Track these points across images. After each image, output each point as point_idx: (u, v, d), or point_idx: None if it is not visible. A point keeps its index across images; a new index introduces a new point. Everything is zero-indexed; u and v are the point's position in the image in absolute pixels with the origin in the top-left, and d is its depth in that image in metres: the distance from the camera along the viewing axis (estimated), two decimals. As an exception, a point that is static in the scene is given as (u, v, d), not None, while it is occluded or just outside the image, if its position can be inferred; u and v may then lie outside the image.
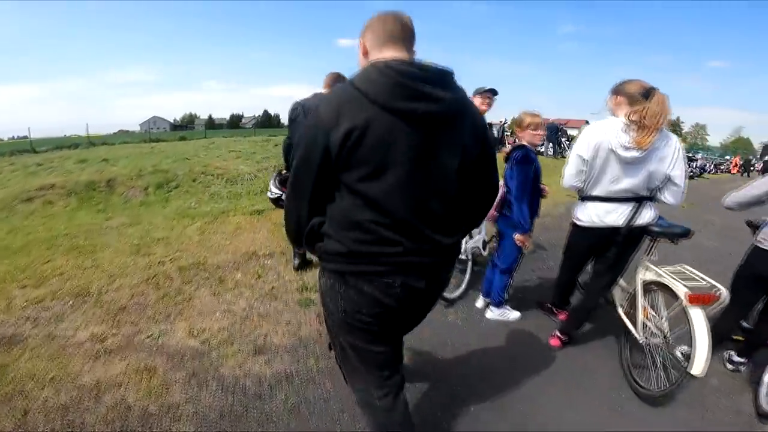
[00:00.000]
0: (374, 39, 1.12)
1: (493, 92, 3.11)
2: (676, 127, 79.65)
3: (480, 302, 3.06)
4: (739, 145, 74.00)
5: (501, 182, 2.52)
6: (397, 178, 1.02)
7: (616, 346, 2.54)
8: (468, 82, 1.38)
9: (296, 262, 3.62)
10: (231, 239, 4.40)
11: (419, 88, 0.98)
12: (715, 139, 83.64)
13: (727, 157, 32.48)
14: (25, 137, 18.76)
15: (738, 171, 25.16)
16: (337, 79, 2.85)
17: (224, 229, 4.75)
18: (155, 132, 29.86)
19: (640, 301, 2.25)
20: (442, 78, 1.03)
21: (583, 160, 2.08)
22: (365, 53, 1.15)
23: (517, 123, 2.66)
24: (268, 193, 3.44)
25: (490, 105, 3.12)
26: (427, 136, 1.02)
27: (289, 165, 3.03)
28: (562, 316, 2.80)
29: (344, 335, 1.25)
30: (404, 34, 1.11)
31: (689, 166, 15.93)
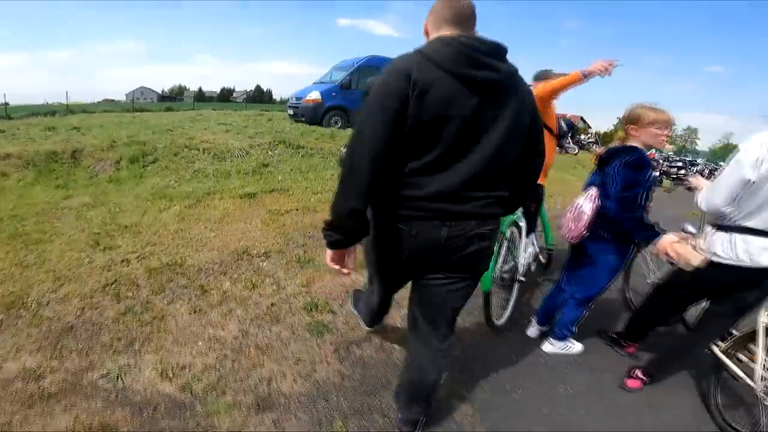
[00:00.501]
0: (434, 21, 1.24)
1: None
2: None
3: (533, 331, 2.52)
4: (727, 152, 74.39)
5: (593, 192, 2.04)
6: (455, 132, 1.14)
7: (691, 381, 2.22)
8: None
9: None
10: (217, 230, 3.56)
11: (480, 58, 1.12)
12: (704, 144, 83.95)
13: (721, 163, 32.44)
14: (5, 104, 17.31)
15: None
16: None
17: (209, 215, 3.89)
18: (141, 102, 28.29)
19: (762, 344, 1.84)
20: (498, 51, 1.17)
21: (748, 182, 1.61)
22: (426, 33, 1.28)
23: (631, 119, 1.98)
24: None
25: None
26: (484, 100, 1.14)
27: None
28: (630, 350, 2.43)
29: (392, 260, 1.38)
30: (461, 17, 1.21)
31: (686, 170, 15.90)
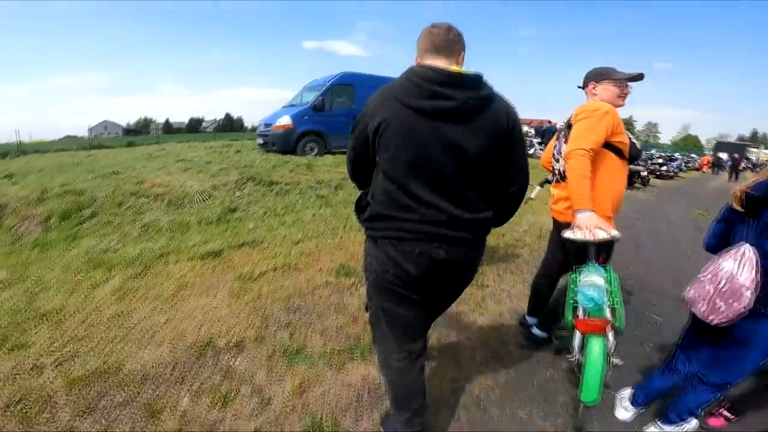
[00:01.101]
0: (419, 50, 1.33)
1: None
2: (629, 126, 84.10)
3: (625, 413, 1.94)
4: (689, 143, 78.23)
5: (750, 254, 1.38)
6: (413, 157, 1.22)
7: None
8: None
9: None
10: (170, 311, 2.65)
11: (432, 88, 1.19)
12: (665, 137, 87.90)
13: (693, 156, 33.60)
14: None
15: (708, 169, 25.61)
16: None
17: (159, 289, 2.96)
18: (102, 138, 26.75)
19: None
20: (460, 81, 1.20)
21: None
22: (416, 62, 1.34)
23: None
24: None
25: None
26: (441, 126, 1.20)
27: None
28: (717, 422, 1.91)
29: (376, 295, 1.43)
30: (444, 44, 1.28)
31: (667, 167, 15.94)
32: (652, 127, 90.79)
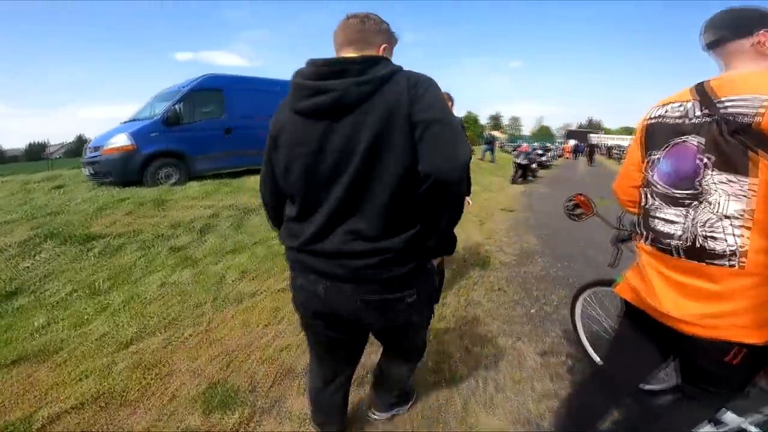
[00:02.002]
0: (334, 47, 1.13)
1: None
2: (496, 120, 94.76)
3: None
4: (543, 133, 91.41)
5: None
6: (301, 170, 1.05)
7: None
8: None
9: None
10: None
11: (309, 85, 1.00)
12: (526, 129, 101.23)
13: (559, 142, 38.15)
14: None
15: (570, 155, 28.89)
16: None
17: None
18: None
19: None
20: (341, 68, 0.98)
21: None
22: None
23: None
24: None
25: None
26: (328, 127, 1.00)
27: None
28: None
29: (300, 317, 1.29)
30: (356, 36, 1.08)
31: (545, 156, 17.45)
32: (515, 121, 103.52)
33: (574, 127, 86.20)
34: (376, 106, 0.95)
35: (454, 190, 0.98)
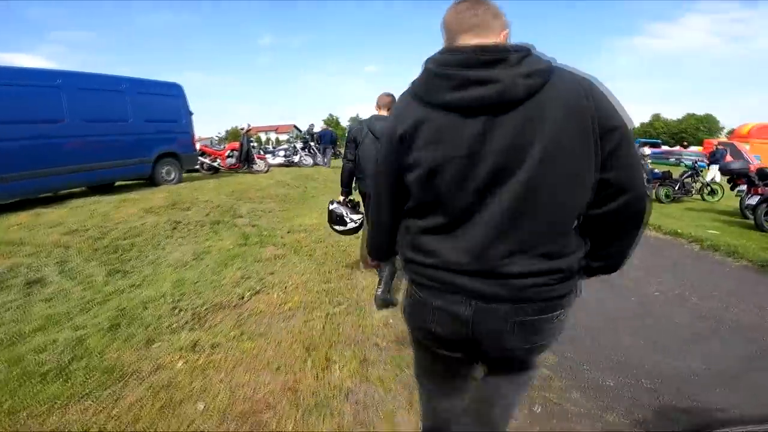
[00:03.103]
0: (445, 39, 1.01)
1: None
2: (357, 122, 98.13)
3: None
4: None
5: None
6: (453, 175, 0.91)
7: None
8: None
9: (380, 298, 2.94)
10: None
11: (462, 74, 0.87)
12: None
13: None
14: None
15: None
16: (390, 102, 2.80)
17: None
18: None
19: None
20: (498, 55, 0.86)
21: None
22: None
23: None
24: (350, 224, 2.98)
25: None
26: (488, 124, 0.86)
27: (349, 189, 3.04)
28: None
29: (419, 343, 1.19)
30: (475, 21, 0.95)
31: None
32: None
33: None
34: (550, 104, 0.85)
35: (644, 207, 0.94)
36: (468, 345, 1.01)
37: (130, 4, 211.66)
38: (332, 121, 67.54)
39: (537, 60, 0.87)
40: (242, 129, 10.72)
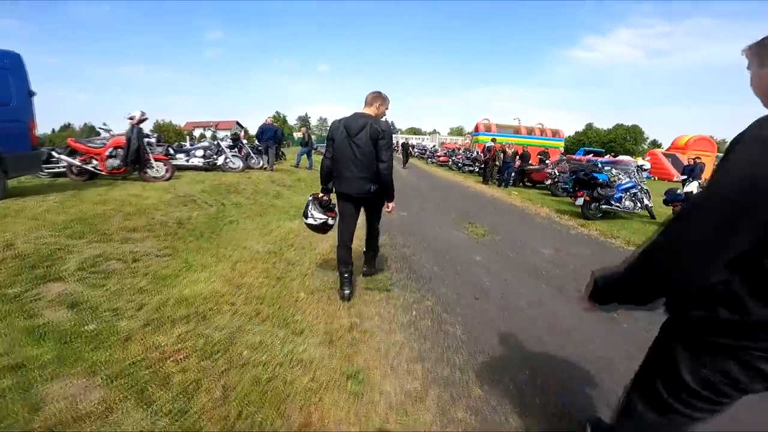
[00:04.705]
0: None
1: None
2: (305, 121, 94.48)
3: None
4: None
5: None
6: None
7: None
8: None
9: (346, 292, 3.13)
10: None
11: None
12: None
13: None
14: None
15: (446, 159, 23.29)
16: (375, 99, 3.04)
17: None
18: None
19: None
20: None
21: None
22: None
23: None
24: (310, 220, 3.20)
25: None
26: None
27: (326, 186, 3.19)
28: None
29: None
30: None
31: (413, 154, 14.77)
32: (323, 122, 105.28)
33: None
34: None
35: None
36: None
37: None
38: (279, 119, 63.79)
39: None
40: (130, 119, 7.33)
